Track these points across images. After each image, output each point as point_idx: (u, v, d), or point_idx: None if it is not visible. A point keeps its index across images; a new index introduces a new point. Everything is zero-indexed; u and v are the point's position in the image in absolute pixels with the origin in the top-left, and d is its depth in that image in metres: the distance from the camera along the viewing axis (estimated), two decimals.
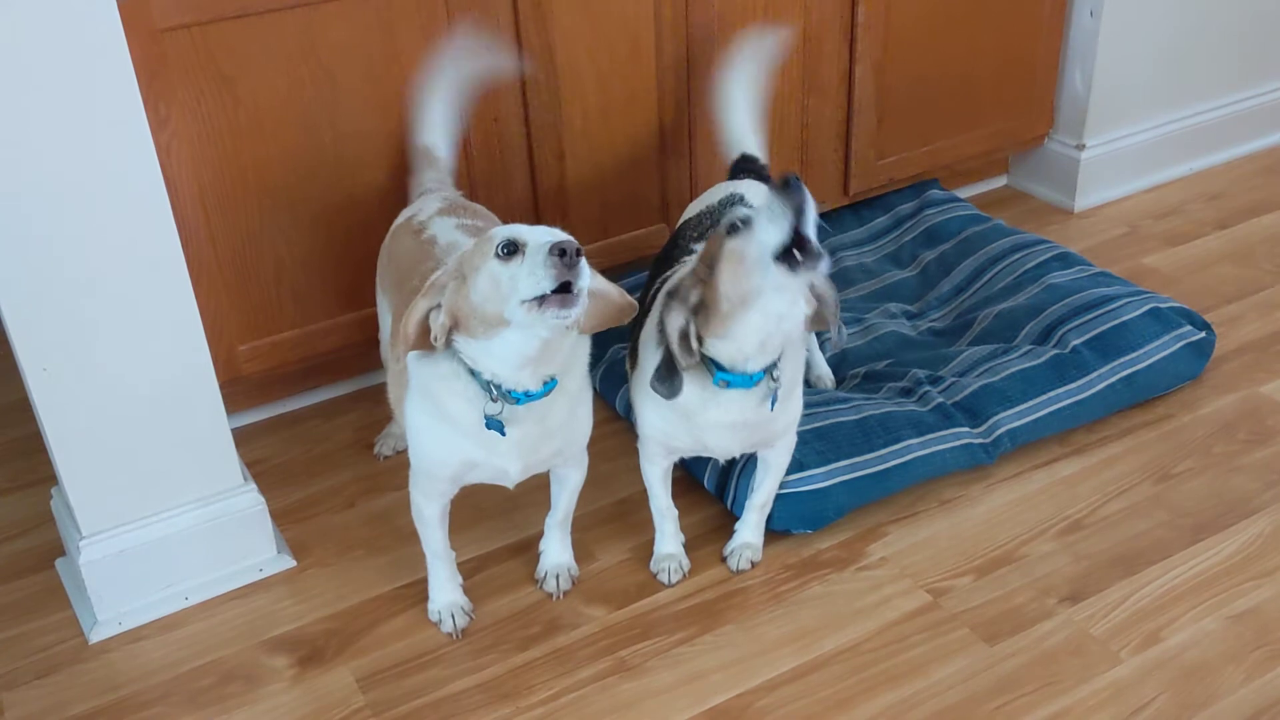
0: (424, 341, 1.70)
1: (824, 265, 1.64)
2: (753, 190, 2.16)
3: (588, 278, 1.56)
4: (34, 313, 1.80)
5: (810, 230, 1.63)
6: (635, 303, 1.79)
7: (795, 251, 1.63)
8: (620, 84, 2.49)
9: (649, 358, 1.85)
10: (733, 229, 1.68)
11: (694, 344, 1.74)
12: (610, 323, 1.78)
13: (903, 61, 2.82)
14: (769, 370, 1.79)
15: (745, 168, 2.31)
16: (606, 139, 2.53)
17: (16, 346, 1.82)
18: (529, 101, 2.40)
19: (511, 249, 1.58)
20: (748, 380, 1.78)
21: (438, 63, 2.24)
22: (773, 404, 1.82)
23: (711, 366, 1.78)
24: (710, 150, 2.64)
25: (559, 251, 1.52)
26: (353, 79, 2.21)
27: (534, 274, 1.54)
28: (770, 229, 1.63)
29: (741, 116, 2.40)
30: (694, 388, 1.81)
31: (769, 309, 1.70)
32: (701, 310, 1.74)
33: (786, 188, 1.62)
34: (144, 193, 1.82)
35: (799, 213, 1.62)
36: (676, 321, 1.74)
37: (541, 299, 1.54)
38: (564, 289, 1.54)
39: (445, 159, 2.24)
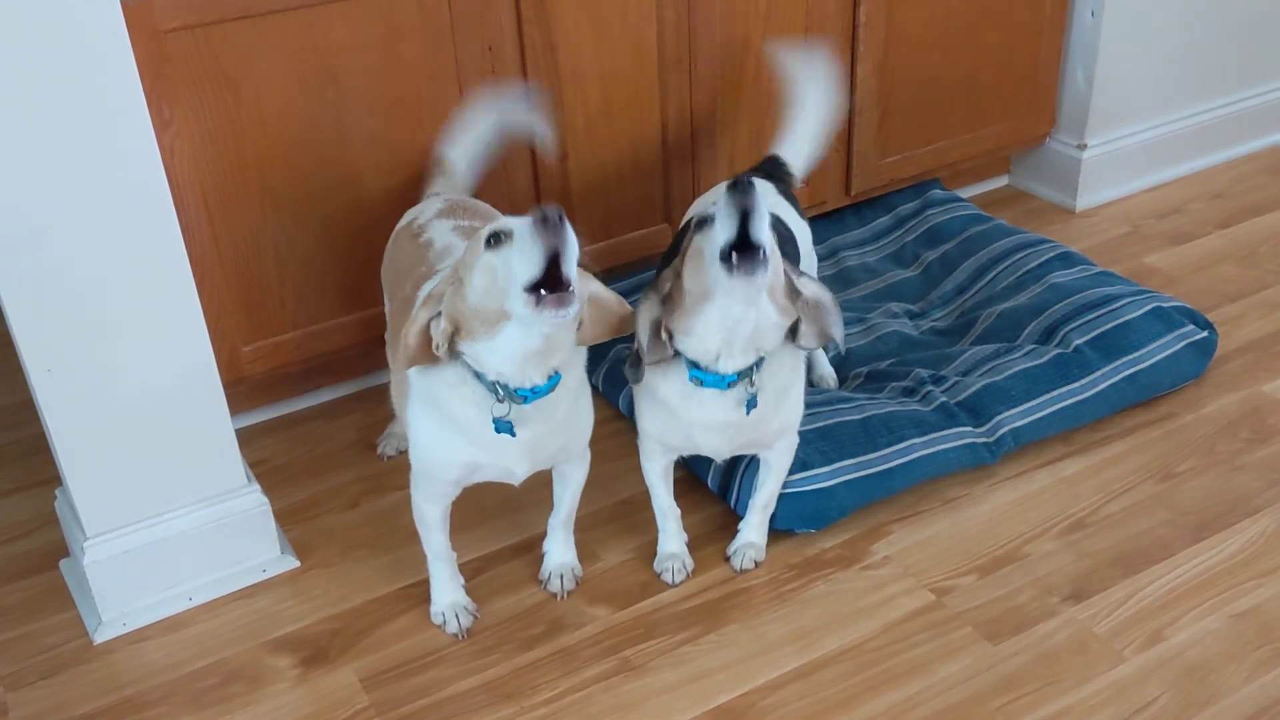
0: (425, 354, 1.69)
1: (760, 272, 1.61)
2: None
3: (575, 250, 1.53)
4: (38, 313, 1.80)
5: (760, 235, 1.60)
6: (633, 311, 1.79)
7: (734, 254, 1.61)
8: (623, 84, 2.49)
9: None
10: (702, 225, 1.68)
11: (664, 335, 1.76)
12: (611, 332, 1.78)
13: (904, 61, 2.82)
14: (746, 374, 1.78)
15: (765, 168, 2.31)
16: (609, 139, 2.53)
17: (21, 347, 1.82)
18: None
19: (499, 237, 1.58)
20: (721, 381, 1.78)
21: (491, 99, 2.28)
22: (748, 409, 1.82)
23: (686, 363, 1.79)
24: (713, 149, 2.64)
25: (541, 218, 1.51)
26: (355, 79, 2.22)
27: (524, 251, 1.53)
28: (717, 229, 1.62)
29: (804, 123, 2.36)
30: (676, 384, 1.83)
31: (726, 310, 1.69)
32: (669, 302, 1.75)
33: (735, 189, 1.60)
34: (148, 193, 1.82)
35: (744, 215, 1.59)
36: (648, 312, 1.76)
37: (539, 297, 1.53)
38: (557, 285, 1.52)
39: (461, 172, 2.26)
